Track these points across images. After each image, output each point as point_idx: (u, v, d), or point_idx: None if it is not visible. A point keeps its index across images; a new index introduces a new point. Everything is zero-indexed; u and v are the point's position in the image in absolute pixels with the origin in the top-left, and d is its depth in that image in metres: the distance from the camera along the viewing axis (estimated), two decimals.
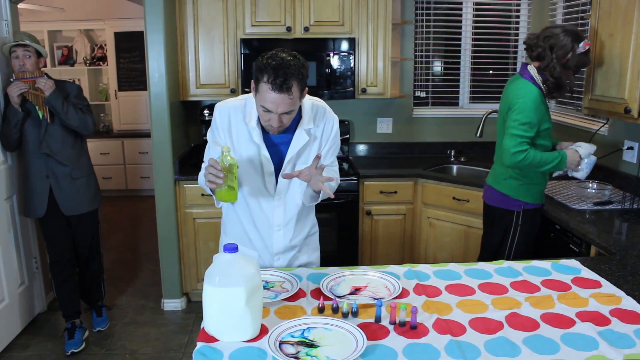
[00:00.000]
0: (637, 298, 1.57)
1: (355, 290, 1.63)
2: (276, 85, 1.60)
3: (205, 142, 3.85)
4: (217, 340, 1.35)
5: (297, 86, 1.65)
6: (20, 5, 3.43)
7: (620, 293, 1.61)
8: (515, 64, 4.04)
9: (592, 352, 1.29)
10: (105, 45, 6.27)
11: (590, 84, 2.65)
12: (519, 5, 3.95)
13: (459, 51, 4.04)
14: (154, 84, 3.21)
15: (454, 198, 3.25)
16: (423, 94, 4.08)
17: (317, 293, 1.61)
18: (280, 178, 1.83)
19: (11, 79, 2.77)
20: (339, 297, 1.58)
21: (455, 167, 3.78)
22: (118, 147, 6.19)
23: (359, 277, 1.72)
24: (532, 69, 2.35)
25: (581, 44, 2.27)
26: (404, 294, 1.61)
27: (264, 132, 1.79)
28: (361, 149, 4.03)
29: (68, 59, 6.38)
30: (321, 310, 1.51)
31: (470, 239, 3.22)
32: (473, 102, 4.11)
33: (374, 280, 1.69)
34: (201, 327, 1.41)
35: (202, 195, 3.30)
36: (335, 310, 1.50)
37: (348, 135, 3.91)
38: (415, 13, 3.88)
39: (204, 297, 1.35)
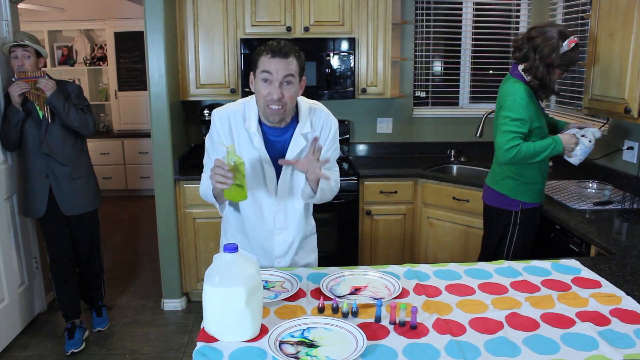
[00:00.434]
0: (637, 298, 1.57)
1: (355, 290, 1.63)
2: (275, 50, 1.64)
3: (205, 142, 3.85)
4: (217, 340, 1.35)
5: (296, 61, 1.69)
6: (20, 5, 3.43)
7: (620, 293, 1.61)
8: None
9: (592, 352, 1.29)
10: (105, 45, 6.27)
11: (590, 83, 2.65)
12: (519, 5, 3.95)
13: (459, 51, 4.04)
14: (154, 84, 3.21)
15: (454, 198, 3.25)
16: (423, 94, 4.08)
17: (317, 293, 1.61)
18: (281, 184, 1.83)
19: (13, 79, 2.77)
20: (339, 297, 1.58)
21: (455, 167, 3.78)
22: (118, 147, 6.19)
23: (359, 277, 1.72)
24: (521, 68, 2.36)
25: (565, 42, 2.24)
26: (404, 294, 1.61)
27: (265, 137, 1.78)
28: (361, 149, 4.03)
29: (68, 59, 6.38)
30: (321, 310, 1.51)
31: (470, 239, 3.22)
32: (473, 102, 4.11)
33: (374, 280, 1.69)
34: (201, 327, 1.41)
35: None
36: (335, 310, 1.50)
37: (348, 135, 3.91)
38: (415, 13, 3.88)
39: (204, 297, 1.35)
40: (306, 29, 3.43)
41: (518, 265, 1.83)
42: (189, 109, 3.80)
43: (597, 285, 1.67)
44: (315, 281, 1.69)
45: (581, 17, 3.31)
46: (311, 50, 3.44)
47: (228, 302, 1.31)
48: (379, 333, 1.38)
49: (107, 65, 6.29)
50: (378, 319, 1.44)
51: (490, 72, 4.07)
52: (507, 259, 2.39)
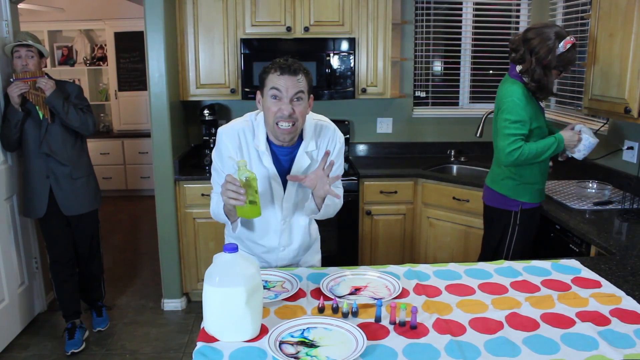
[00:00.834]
0: (637, 298, 1.57)
1: (355, 290, 1.63)
2: (284, 67, 1.62)
3: (205, 141, 3.86)
4: (217, 340, 1.35)
5: (304, 78, 1.66)
6: (20, 5, 3.43)
7: (620, 293, 1.61)
8: None
9: (592, 352, 1.29)
10: (105, 45, 6.27)
11: (590, 84, 2.65)
12: (519, 5, 3.95)
13: (459, 51, 4.04)
14: (154, 84, 3.21)
15: (454, 198, 3.25)
16: (423, 94, 4.08)
17: (317, 293, 1.61)
18: (286, 200, 1.81)
19: (11, 79, 2.77)
20: (339, 297, 1.58)
21: (455, 167, 3.78)
22: (118, 147, 6.19)
23: (359, 277, 1.72)
24: (518, 69, 2.35)
25: (562, 43, 2.22)
26: (404, 294, 1.61)
27: (273, 156, 1.77)
28: (361, 149, 4.03)
29: (68, 59, 6.38)
30: (321, 310, 1.51)
31: (470, 239, 3.22)
32: (473, 102, 4.11)
33: (374, 280, 1.69)
34: (201, 327, 1.41)
35: (202, 195, 3.30)
36: (335, 310, 1.50)
37: (348, 135, 3.91)
38: (415, 13, 3.88)
39: (204, 297, 1.35)
40: (306, 29, 3.43)
41: (518, 265, 1.83)
42: (189, 109, 3.80)
43: (597, 285, 1.67)
44: (315, 281, 1.69)
45: (581, 17, 3.31)
46: (311, 50, 3.44)
47: (228, 302, 1.31)
48: (379, 333, 1.38)
49: (107, 65, 6.29)
50: (378, 319, 1.44)
51: (490, 72, 4.07)
52: (507, 259, 2.39)
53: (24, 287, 3.22)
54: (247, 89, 3.43)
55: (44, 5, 5.23)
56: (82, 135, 2.97)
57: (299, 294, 1.62)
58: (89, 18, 6.11)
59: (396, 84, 3.92)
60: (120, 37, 6.13)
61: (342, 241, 3.43)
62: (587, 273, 1.76)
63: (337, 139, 1.84)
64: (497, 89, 2.46)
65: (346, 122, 3.88)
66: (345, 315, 1.47)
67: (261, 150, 1.75)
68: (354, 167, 3.54)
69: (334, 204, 1.81)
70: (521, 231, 2.45)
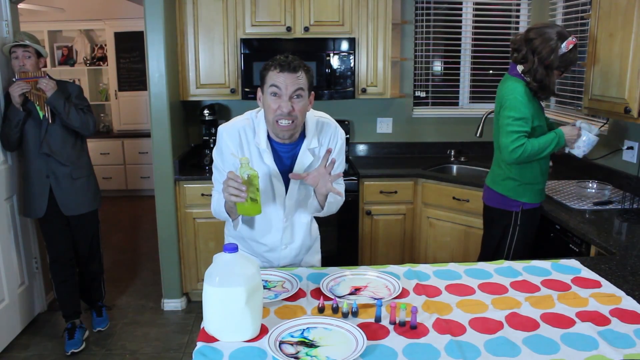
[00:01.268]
0: (637, 298, 1.57)
1: (355, 290, 1.63)
2: (284, 65, 1.62)
3: (205, 141, 3.86)
4: (217, 340, 1.35)
5: (305, 75, 1.66)
6: (20, 5, 3.43)
7: (620, 293, 1.61)
8: None
9: (592, 352, 1.29)
10: (105, 45, 6.27)
11: (590, 84, 2.65)
12: (519, 5, 3.95)
13: (459, 51, 4.04)
14: (154, 84, 3.21)
15: (454, 198, 3.25)
16: (423, 94, 4.08)
17: (317, 293, 1.61)
18: (288, 198, 1.81)
19: (13, 79, 2.77)
20: (339, 297, 1.58)
21: (455, 167, 3.78)
22: (118, 147, 6.19)
23: (359, 277, 1.72)
24: (520, 67, 2.35)
25: (564, 44, 2.22)
26: (404, 294, 1.61)
27: (273, 152, 1.77)
28: (361, 149, 4.03)
29: (68, 59, 6.38)
30: (321, 310, 1.51)
31: (470, 239, 3.22)
32: (473, 102, 4.11)
33: (374, 280, 1.69)
34: (201, 327, 1.41)
35: (202, 195, 3.30)
36: (335, 310, 1.50)
37: (348, 135, 3.91)
38: (415, 13, 3.88)
39: (204, 297, 1.35)
40: (306, 29, 3.43)
41: (518, 265, 1.83)
42: (189, 109, 3.80)
43: (597, 285, 1.67)
44: (315, 281, 1.69)
45: (581, 17, 3.31)
46: (311, 50, 3.44)
47: (228, 302, 1.31)
48: (379, 333, 1.38)
49: (107, 65, 6.29)
50: (378, 319, 1.44)
51: (490, 72, 4.07)
52: (507, 258, 2.39)
53: (24, 287, 3.22)
54: (247, 89, 3.43)
55: (44, 5, 5.23)
56: (82, 136, 2.97)
57: (299, 294, 1.62)
58: (89, 18, 6.11)
59: (396, 84, 3.92)
60: (120, 37, 6.13)
61: (342, 241, 3.43)
62: (587, 273, 1.76)
63: (338, 136, 1.84)
64: (498, 87, 2.46)
65: (346, 122, 3.88)
66: (345, 315, 1.47)
67: (262, 148, 1.75)
68: (354, 167, 3.54)
69: (336, 200, 1.82)
70: (521, 231, 2.45)
